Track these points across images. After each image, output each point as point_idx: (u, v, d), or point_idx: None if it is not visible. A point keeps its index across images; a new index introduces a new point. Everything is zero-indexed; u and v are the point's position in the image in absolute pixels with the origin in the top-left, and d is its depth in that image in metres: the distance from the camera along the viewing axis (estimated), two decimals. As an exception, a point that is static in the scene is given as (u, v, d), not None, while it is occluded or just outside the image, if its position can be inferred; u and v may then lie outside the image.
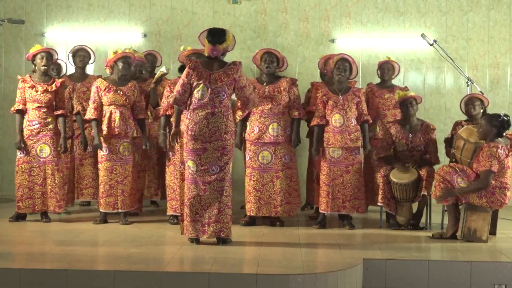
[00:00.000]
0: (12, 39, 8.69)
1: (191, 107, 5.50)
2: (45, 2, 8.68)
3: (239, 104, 6.50)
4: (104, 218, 6.59)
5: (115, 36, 8.63)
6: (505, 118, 5.88)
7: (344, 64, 6.42)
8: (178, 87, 5.52)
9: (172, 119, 6.50)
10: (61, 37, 8.63)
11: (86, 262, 4.91)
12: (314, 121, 6.52)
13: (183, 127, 5.55)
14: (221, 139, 5.45)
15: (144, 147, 6.62)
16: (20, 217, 6.62)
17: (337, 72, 6.44)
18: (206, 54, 5.53)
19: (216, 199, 5.46)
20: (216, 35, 5.48)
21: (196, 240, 5.55)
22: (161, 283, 4.55)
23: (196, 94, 5.47)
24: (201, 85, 5.46)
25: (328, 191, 6.45)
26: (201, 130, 5.43)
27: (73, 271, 4.59)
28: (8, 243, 5.60)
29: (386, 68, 7.36)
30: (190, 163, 5.50)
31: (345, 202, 6.45)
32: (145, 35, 8.64)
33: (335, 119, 6.43)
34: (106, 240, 5.79)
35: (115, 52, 6.51)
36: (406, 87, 7.47)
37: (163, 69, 6.91)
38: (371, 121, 6.63)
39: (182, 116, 5.73)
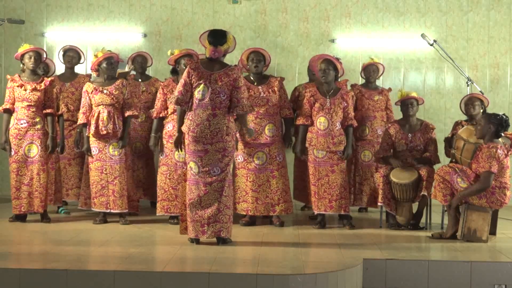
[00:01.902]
0: (12, 39, 8.69)
1: (192, 108, 5.50)
2: (45, 2, 8.68)
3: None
4: (104, 218, 6.59)
5: (115, 36, 8.63)
6: (504, 117, 5.89)
7: (326, 65, 6.42)
8: (179, 87, 5.52)
9: (165, 120, 6.51)
10: (61, 37, 8.63)
11: (86, 262, 4.91)
12: (300, 121, 6.52)
13: (184, 128, 5.55)
14: (222, 140, 5.45)
15: (119, 147, 6.48)
16: (20, 217, 6.62)
17: (321, 74, 6.45)
18: (208, 55, 5.54)
19: (216, 199, 5.46)
20: (217, 37, 5.50)
21: (196, 240, 5.55)
22: (161, 283, 4.55)
23: (197, 94, 5.47)
24: (202, 85, 5.47)
25: (315, 191, 6.46)
26: (202, 132, 5.43)
27: (73, 271, 4.59)
28: (8, 243, 5.60)
29: (372, 70, 7.41)
30: (192, 164, 5.50)
31: (331, 201, 6.44)
32: (145, 35, 8.64)
33: (320, 122, 6.42)
34: (106, 240, 5.78)
35: (96, 56, 6.52)
36: (389, 88, 7.51)
37: (126, 69, 6.98)
38: (356, 125, 6.62)
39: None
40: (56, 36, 8.66)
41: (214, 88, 5.45)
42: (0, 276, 4.57)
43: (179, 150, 5.69)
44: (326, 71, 6.41)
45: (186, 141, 5.53)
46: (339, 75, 6.56)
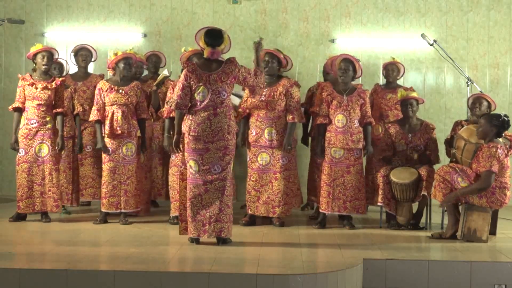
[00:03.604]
0: (12, 39, 8.69)
1: (193, 109, 5.50)
2: (45, 2, 8.68)
3: (240, 107, 6.53)
4: (104, 218, 6.59)
5: (115, 36, 8.63)
6: (505, 119, 5.89)
7: (347, 64, 6.42)
8: (178, 92, 5.51)
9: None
10: (61, 37, 8.63)
11: (86, 262, 4.91)
12: (318, 120, 6.52)
13: (184, 128, 5.55)
14: (223, 139, 5.45)
15: (141, 151, 6.62)
16: (20, 217, 6.62)
17: (340, 73, 6.44)
18: (205, 56, 5.54)
19: (217, 198, 5.46)
20: (215, 38, 5.50)
21: (196, 240, 5.55)
22: (161, 283, 4.55)
23: (197, 96, 5.47)
24: (201, 87, 5.47)
25: (329, 191, 6.44)
26: (204, 131, 5.43)
27: (73, 271, 4.60)
28: (8, 243, 5.61)
29: (391, 69, 7.38)
30: (191, 163, 5.50)
31: (346, 202, 6.45)
32: (145, 35, 8.64)
33: (338, 120, 6.42)
34: (106, 240, 5.79)
35: (116, 54, 6.52)
36: (411, 87, 7.46)
37: (165, 72, 6.92)
38: (374, 123, 6.63)
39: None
40: (56, 36, 8.66)
41: (215, 89, 5.45)
42: (0, 276, 4.57)
43: (177, 151, 5.68)
44: (346, 71, 6.41)
45: (186, 140, 5.53)
46: (356, 76, 6.54)
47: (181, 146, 5.61)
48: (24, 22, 7.86)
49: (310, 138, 7.40)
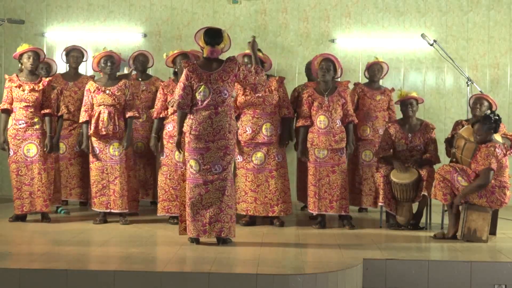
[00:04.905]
0: (12, 39, 8.69)
1: (194, 108, 5.50)
2: (45, 2, 8.68)
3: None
4: (104, 218, 6.59)
5: (115, 36, 8.63)
6: (496, 117, 5.89)
7: (327, 64, 6.41)
8: (179, 91, 5.50)
9: (165, 121, 6.51)
10: (61, 37, 8.63)
11: (86, 262, 4.92)
12: (300, 122, 6.52)
13: (185, 127, 5.55)
14: (224, 138, 5.45)
15: (122, 147, 6.48)
16: (20, 217, 6.62)
17: (321, 72, 6.44)
18: (205, 55, 5.54)
19: (217, 198, 5.46)
20: (214, 36, 5.51)
21: (196, 240, 5.55)
22: (161, 283, 4.55)
23: (198, 96, 5.47)
24: (203, 86, 5.47)
25: (315, 191, 6.45)
26: (205, 130, 5.43)
27: (73, 271, 4.60)
28: (8, 243, 5.61)
29: (376, 69, 7.40)
30: (192, 162, 5.50)
31: (332, 202, 6.44)
32: (145, 35, 8.64)
33: (320, 120, 6.42)
34: (106, 240, 5.78)
35: (94, 56, 6.54)
36: (392, 88, 7.46)
37: (125, 71, 7.00)
38: (356, 121, 6.63)
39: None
40: (56, 36, 8.66)
41: (216, 88, 5.46)
42: (0, 276, 4.57)
43: (180, 151, 5.67)
44: (327, 70, 6.40)
45: (186, 139, 5.53)
46: (336, 76, 6.54)
47: (183, 147, 5.61)
48: (24, 22, 7.86)
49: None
